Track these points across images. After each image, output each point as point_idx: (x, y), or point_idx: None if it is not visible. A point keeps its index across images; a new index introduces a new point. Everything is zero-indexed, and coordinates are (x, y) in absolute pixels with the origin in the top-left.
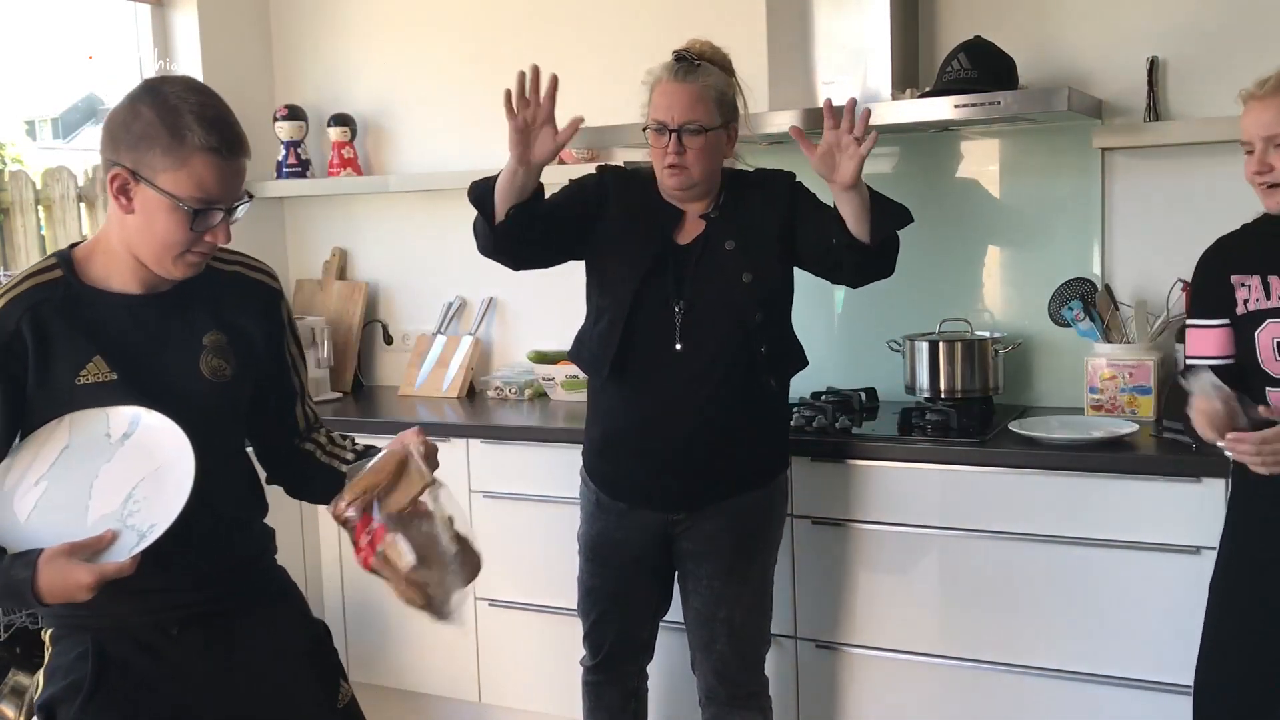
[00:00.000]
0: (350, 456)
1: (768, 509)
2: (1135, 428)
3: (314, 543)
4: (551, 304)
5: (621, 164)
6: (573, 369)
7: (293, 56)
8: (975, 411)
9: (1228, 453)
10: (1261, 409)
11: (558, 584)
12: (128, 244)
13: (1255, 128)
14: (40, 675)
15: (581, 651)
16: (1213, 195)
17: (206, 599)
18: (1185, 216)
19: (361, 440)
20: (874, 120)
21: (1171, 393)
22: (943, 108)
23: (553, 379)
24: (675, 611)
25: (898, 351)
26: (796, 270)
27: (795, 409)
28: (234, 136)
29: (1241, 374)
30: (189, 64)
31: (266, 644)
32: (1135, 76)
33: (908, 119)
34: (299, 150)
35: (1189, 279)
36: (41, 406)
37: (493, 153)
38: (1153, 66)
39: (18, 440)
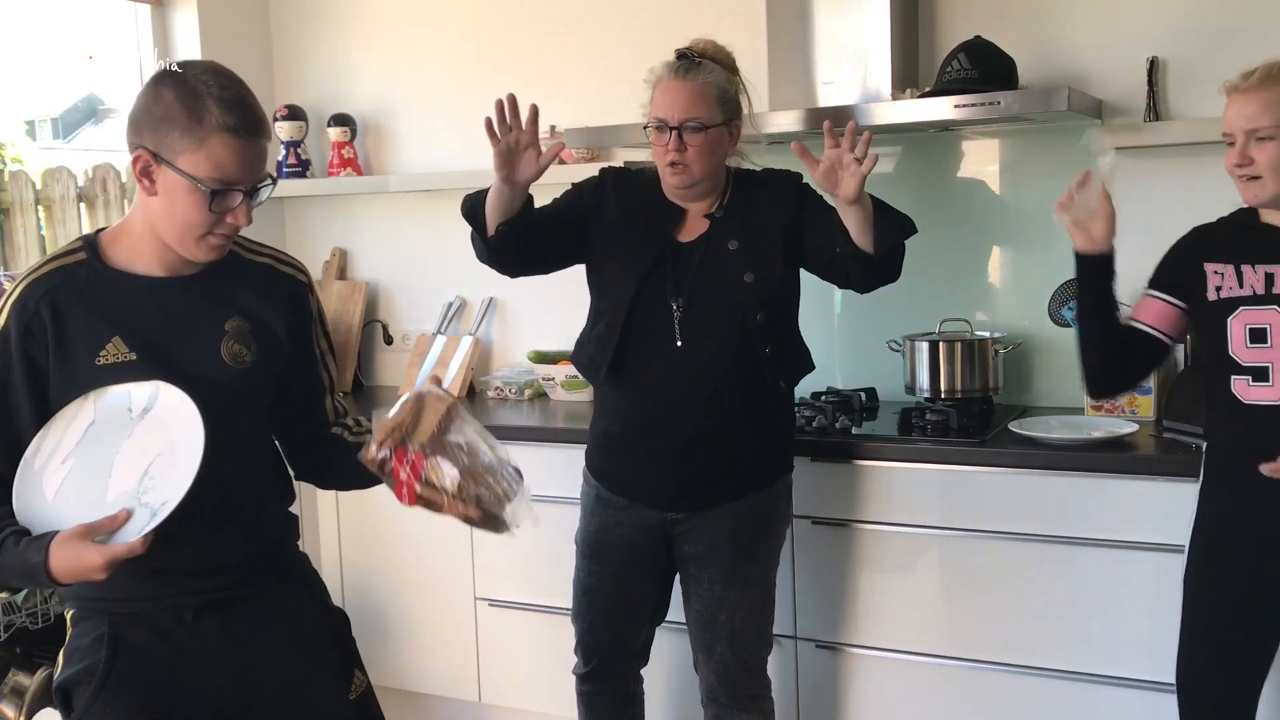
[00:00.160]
0: None
1: (770, 512)
2: (1135, 428)
3: (314, 543)
4: (551, 304)
5: (622, 164)
6: (573, 369)
7: (293, 56)
8: (975, 411)
9: (1263, 469)
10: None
11: (558, 584)
12: (152, 226)
13: (1238, 120)
14: (60, 655)
15: None
16: (1213, 195)
17: (224, 584)
18: (1185, 216)
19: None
20: (874, 120)
21: (1172, 393)
22: (943, 108)
23: (553, 379)
24: (676, 612)
25: (898, 351)
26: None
27: (795, 409)
28: (253, 118)
29: (1192, 362)
30: None
31: (282, 631)
32: (1135, 76)
33: (908, 119)
34: (299, 150)
35: None
36: (63, 387)
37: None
38: (1153, 66)
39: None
